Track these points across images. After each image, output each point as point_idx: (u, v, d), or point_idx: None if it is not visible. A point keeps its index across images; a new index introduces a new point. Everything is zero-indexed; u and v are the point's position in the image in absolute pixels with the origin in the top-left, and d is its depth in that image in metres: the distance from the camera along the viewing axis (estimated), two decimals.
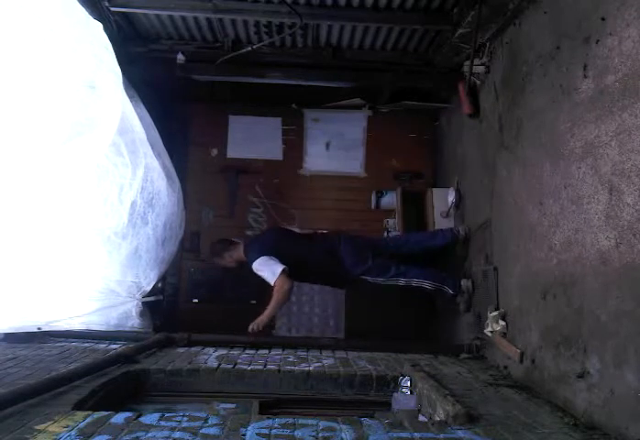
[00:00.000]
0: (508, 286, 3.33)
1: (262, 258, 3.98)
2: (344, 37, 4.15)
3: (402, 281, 4.06)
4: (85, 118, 3.03)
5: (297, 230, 4.62)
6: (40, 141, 2.90)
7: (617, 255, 2.16)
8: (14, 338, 3.60)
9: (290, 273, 3.94)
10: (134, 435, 1.94)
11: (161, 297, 4.86)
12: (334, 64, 4.36)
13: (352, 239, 4.28)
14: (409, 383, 2.99)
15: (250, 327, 3.90)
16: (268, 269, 3.94)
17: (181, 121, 5.29)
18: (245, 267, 4.23)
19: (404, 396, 2.94)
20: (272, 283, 3.92)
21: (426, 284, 4.06)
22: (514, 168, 3.30)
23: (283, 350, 3.76)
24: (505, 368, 3.24)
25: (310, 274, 4.25)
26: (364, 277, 4.09)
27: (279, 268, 3.90)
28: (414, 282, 4.06)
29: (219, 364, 3.21)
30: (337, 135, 5.36)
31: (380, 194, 4.97)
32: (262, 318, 3.94)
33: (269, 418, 2.17)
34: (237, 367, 3.18)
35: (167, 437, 1.93)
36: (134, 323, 3.97)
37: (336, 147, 5.35)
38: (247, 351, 3.67)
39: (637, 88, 2.10)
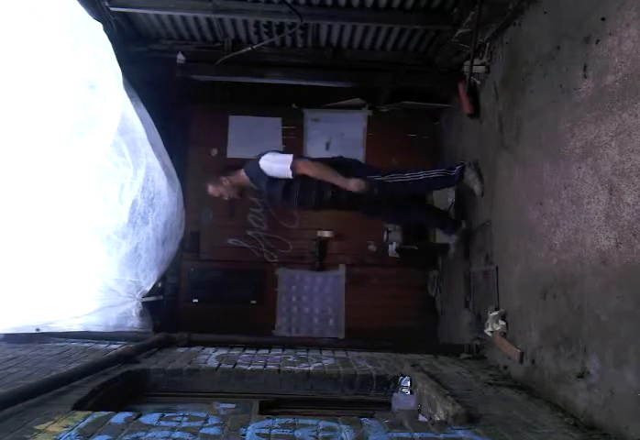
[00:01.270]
0: (508, 286, 3.33)
1: (267, 154, 3.68)
2: (344, 37, 4.15)
3: (408, 177, 3.82)
4: (86, 118, 3.03)
5: None
6: (41, 141, 2.90)
7: (617, 255, 2.16)
8: (14, 338, 3.60)
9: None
10: (134, 435, 1.94)
11: (161, 297, 4.87)
12: (334, 64, 4.36)
13: None
14: (409, 383, 2.99)
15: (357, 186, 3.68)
16: (277, 160, 3.64)
17: (181, 121, 5.29)
18: (245, 194, 4.03)
19: (404, 396, 2.95)
20: (290, 168, 3.59)
21: (434, 174, 3.85)
22: (514, 168, 3.30)
23: (283, 350, 3.77)
24: (505, 368, 3.24)
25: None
26: (372, 176, 3.77)
27: (288, 154, 3.68)
28: (422, 175, 3.82)
29: (219, 364, 3.22)
30: (337, 135, 5.37)
31: None
32: (341, 183, 3.67)
33: (269, 418, 2.18)
34: (237, 367, 3.19)
35: (167, 437, 1.94)
36: (134, 323, 3.97)
37: (336, 147, 5.34)
38: (247, 351, 3.67)
39: (637, 88, 2.10)
